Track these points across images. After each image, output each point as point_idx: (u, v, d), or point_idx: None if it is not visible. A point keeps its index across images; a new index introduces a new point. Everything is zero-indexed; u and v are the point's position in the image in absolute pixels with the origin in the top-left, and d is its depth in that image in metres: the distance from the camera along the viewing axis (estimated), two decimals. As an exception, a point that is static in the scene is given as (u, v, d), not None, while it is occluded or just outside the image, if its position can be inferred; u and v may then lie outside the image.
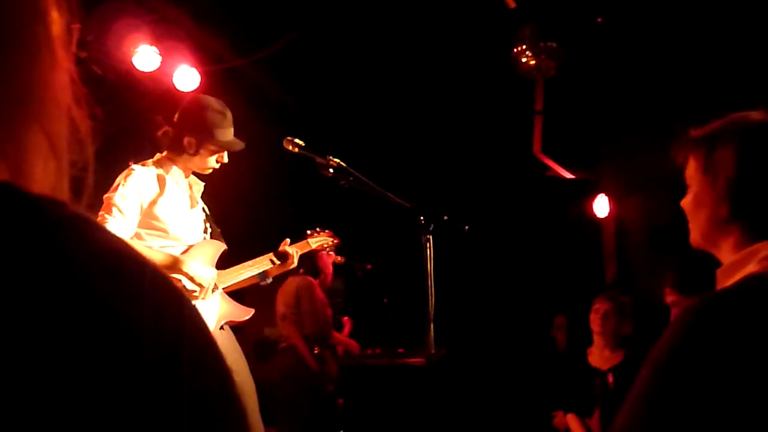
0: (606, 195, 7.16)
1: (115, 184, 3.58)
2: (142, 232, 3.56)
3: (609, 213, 7.18)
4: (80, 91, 0.60)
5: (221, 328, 3.76)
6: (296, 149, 3.57)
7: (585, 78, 6.60)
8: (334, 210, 6.11)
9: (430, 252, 3.34)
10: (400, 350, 6.12)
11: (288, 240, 4.11)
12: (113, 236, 0.53)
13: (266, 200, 6.78)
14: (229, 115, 3.81)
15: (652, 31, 6.04)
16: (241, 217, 5.02)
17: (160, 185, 3.67)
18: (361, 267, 5.96)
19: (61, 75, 0.58)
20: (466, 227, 3.60)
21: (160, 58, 5.61)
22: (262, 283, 4.16)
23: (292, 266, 4.12)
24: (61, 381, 0.45)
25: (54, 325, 0.46)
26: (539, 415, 5.65)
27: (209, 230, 3.92)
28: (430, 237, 3.36)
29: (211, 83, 5.98)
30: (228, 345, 3.75)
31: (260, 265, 3.99)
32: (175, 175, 3.77)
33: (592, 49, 6.30)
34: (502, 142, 7.01)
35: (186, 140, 3.74)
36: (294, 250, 4.08)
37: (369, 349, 6.33)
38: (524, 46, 6.10)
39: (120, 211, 3.48)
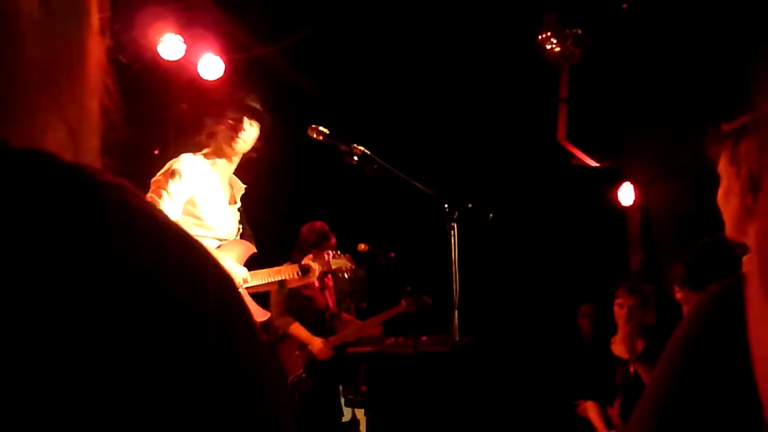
0: (631, 183, 7.11)
1: (163, 169, 3.65)
2: (181, 218, 3.63)
3: (634, 201, 7.13)
4: (109, 81, 0.61)
5: None
6: (321, 137, 3.58)
7: (610, 65, 6.54)
8: (358, 198, 6.12)
9: (454, 240, 3.34)
10: (424, 338, 6.12)
11: (311, 255, 4.21)
12: (143, 202, 0.54)
13: (289, 189, 6.79)
14: (251, 95, 3.91)
15: (678, 16, 5.98)
16: (261, 205, 5.03)
17: (204, 175, 3.75)
18: (384, 255, 5.95)
19: (89, 64, 0.59)
20: (491, 215, 3.59)
21: (184, 47, 5.62)
22: (281, 291, 4.27)
23: (311, 280, 4.27)
24: (90, 335, 0.47)
25: (81, 283, 0.48)
26: (563, 404, 5.64)
27: (241, 230, 3.97)
28: (455, 225, 3.36)
29: (236, 72, 5.99)
30: None
31: (285, 274, 4.13)
32: (220, 169, 3.85)
33: (618, 36, 6.25)
34: (526, 130, 6.98)
35: (214, 120, 3.83)
36: (317, 266, 4.27)
37: (392, 337, 6.33)
38: (549, 33, 6.06)
39: (168, 194, 3.56)
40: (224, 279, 0.55)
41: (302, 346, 5.52)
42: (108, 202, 0.52)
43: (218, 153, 3.84)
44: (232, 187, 3.95)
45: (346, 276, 4.94)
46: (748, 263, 1.55)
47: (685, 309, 4.04)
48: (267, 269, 4.04)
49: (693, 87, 6.07)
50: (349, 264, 4.85)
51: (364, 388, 6.21)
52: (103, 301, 0.48)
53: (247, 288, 3.90)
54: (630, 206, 7.18)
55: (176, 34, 5.57)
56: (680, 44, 6.17)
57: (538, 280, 7.18)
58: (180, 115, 6.31)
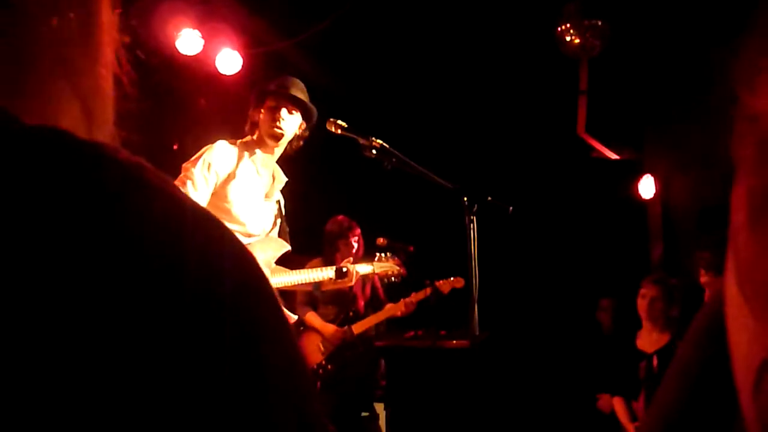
0: (652, 175, 7.05)
1: (197, 155, 3.61)
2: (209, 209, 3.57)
3: (655, 193, 7.08)
4: (121, 53, 0.61)
5: None
6: (339, 131, 3.57)
7: (630, 56, 6.49)
8: (377, 191, 6.10)
9: (473, 233, 3.32)
10: (443, 332, 6.10)
11: (351, 258, 4.13)
12: (162, 180, 0.53)
13: (308, 182, 6.78)
14: (295, 81, 3.83)
15: (699, 7, 5.91)
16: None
17: (237, 164, 3.66)
18: (403, 249, 5.92)
19: (100, 36, 0.58)
20: (510, 208, 3.57)
21: (202, 42, 5.63)
22: (317, 292, 4.18)
23: (350, 284, 4.13)
24: (105, 317, 0.46)
25: (94, 265, 0.46)
26: (584, 398, 5.62)
27: (278, 226, 3.91)
28: (474, 218, 3.34)
29: (254, 66, 5.99)
30: None
31: (317, 276, 4.01)
32: (259, 160, 3.76)
33: (637, 27, 6.19)
34: (546, 123, 6.94)
35: (252, 110, 3.78)
36: (355, 270, 4.10)
37: (411, 331, 6.31)
38: (568, 25, 6.02)
39: (193, 184, 3.51)
40: (248, 264, 0.53)
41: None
42: (124, 180, 0.51)
43: (259, 143, 3.76)
44: (274, 179, 3.86)
45: (393, 280, 4.78)
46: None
47: (707, 293, 4.03)
48: (302, 269, 4.00)
49: (714, 78, 6.01)
50: (398, 268, 4.65)
51: (383, 383, 6.20)
52: (116, 285, 0.46)
53: (278, 287, 3.84)
54: (651, 199, 7.13)
55: (194, 29, 5.57)
56: (701, 34, 6.10)
57: (558, 273, 7.15)
58: (198, 110, 6.32)
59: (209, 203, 3.58)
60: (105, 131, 0.59)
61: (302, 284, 4.01)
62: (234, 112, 4.00)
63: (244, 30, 5.96)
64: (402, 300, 5.66)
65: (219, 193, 3.60)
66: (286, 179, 3.90)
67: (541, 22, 6.09)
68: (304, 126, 3.81)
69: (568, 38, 6.04)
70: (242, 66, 5.83)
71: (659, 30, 6.29)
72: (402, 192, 5.53)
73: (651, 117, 7.16)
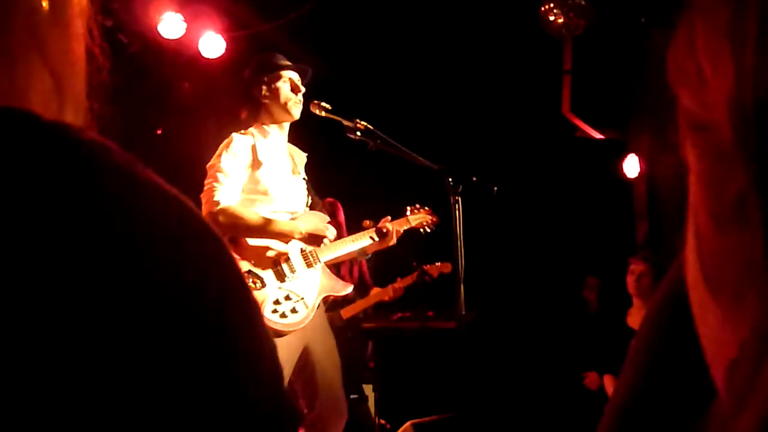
0: (636, 155, 7.07)
1: (217, 152, 3.62)
2: (248, 198, 3.59)
3: (639, 172, 7.10)
4: (93, 25, 0.60)
5: None
6: (323, 113, 3.58)
7: (615, 35, 6.49)
8: (362, 173, 6.10)
9: (459, 214, 3.33)
10: (431, 313, 6.12)
11: (389, 217, 4.08)
12: (133, 161, 0.52)
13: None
14: (279, 54, 3.83)
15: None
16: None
17: (259, 150, 3.67)
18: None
19: (71, 9, 0.58)
20: (495, 188, 3.58)
21: (185, 25, 5.58)
22: (361, 259, 4.17)
23: (392, 243, 4.07)
24: (80, 311, 0.45)
25: (68, 252, 0.45)
26: (570, 376, 5.65)
27: (310, 201, 3.91)
28: (459, 198, 3.35)
29: (237, 49, 5.96)
30: (317, 320, 3.77)
31: (360, 241, 3.98)
32: (275, 140, 3.77)
33: (622, 5, 6.19)
34: (530, 102, 6.93)
35: (255, 90, 3.74)
36: (394, 228, 4.05)
37: (399, 312, 6.33)
38: (552, 4, 6.00)
39: (226, 176, 3.52)
40: (217, 239, 0.53)
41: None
42: (91, 161, 0.50)
43: (270, 122, 3.76)
44: (292, 157, 3.88)
45: (428, 230, 4.48)
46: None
47: None
48: (342, 239, 3.99)
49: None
50: (430, 217, 4.46)
51: (372, 365, 6.22)
52: (86, 270, 0.45)
53: (326, 261, 3.84)
54: (636, 178, 7.15)
55: (176, 12, 5.52)
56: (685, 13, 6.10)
57: (544, 253, 7.17)
58: (182, 94, 6.29)
59: (248, 191, 3.59)
60: (76, 104, 0.58)
61: (349, 253, 3.99)
62: (217, 96, 3.98)
63: (227, 13, 5.92)
64: (390, 285, 5.66)
65: (252, 178, 3.62)
66: (306, 154, 3.91)
67: (525, 2, 6.08)
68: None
69: (551, 18, 6.03)
70: (225, 49, 5.79)
71: (643, 8, 6.29)
72: (387, 173, 5.53)
73: (635, 96, 7.17)
